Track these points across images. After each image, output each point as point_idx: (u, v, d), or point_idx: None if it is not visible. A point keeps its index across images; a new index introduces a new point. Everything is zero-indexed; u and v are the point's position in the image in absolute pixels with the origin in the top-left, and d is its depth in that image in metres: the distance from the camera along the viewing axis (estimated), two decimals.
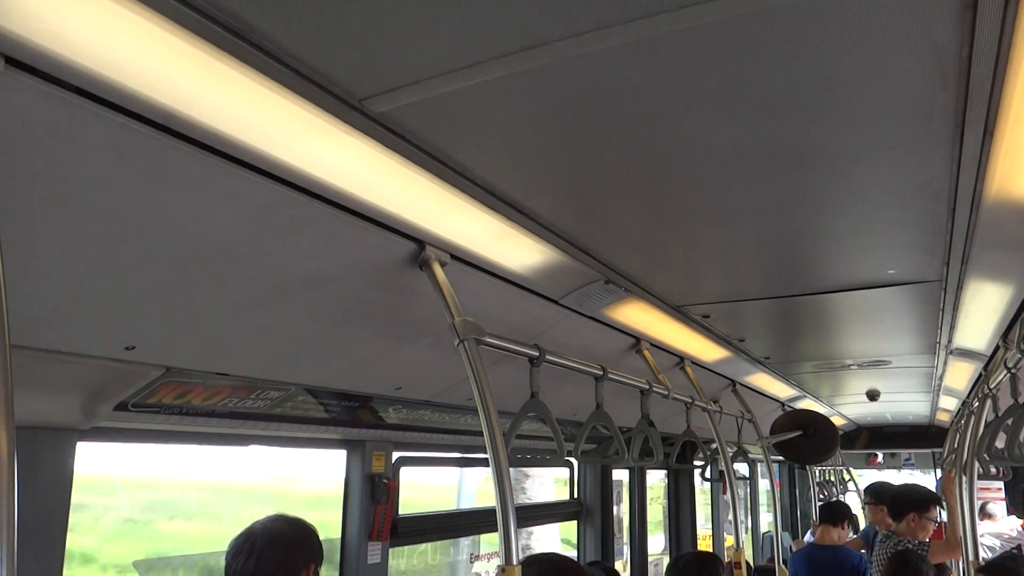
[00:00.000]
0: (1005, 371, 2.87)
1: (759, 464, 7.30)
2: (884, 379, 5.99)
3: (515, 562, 1.68)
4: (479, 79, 1.35)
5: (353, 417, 3.14)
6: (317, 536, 2.52)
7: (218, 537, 3.47)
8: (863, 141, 1.65)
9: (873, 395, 6.81)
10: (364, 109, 1.43)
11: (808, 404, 7.03)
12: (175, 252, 1.62)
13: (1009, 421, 2.84)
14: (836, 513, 5.94)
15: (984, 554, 6.16)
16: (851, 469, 10.45)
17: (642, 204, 2.06)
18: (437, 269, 2.02)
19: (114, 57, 1.16)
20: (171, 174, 1.41)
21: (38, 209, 1.36)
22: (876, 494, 6.69)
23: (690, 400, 3.55)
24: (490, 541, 4.92)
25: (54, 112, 1.19)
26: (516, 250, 2.25)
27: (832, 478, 10.04)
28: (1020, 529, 7.60)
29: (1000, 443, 3.21)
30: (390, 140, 1.55)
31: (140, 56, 1.18)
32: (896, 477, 9.89)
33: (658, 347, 3.75)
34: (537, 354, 2.27)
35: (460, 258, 2.16)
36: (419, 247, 2.00)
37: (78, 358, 1.88)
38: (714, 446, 4.20)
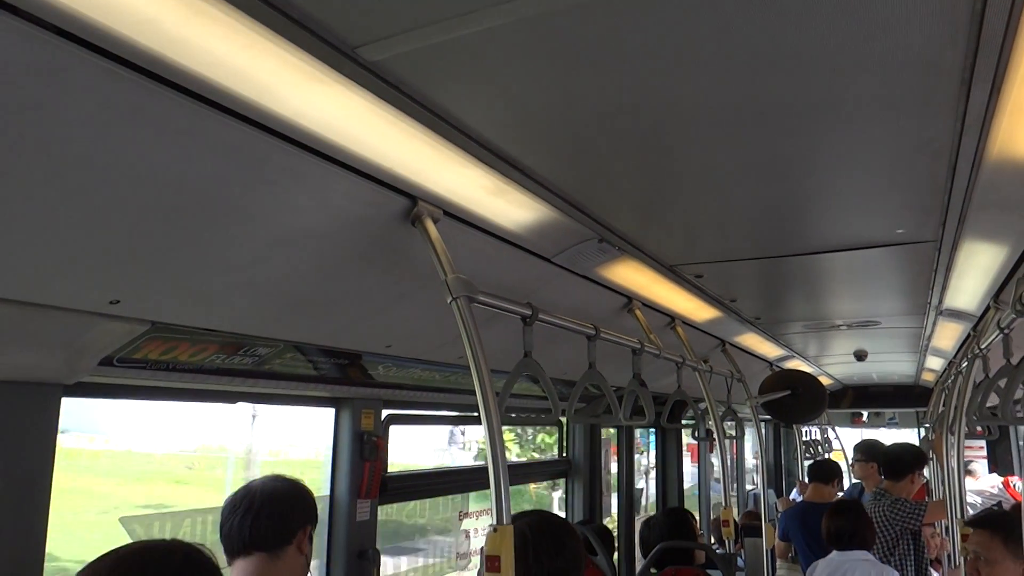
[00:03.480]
0: (997, 331, 2.87)
1: (746, 423, 7.35)
2: (872, 339, 6.01)
3: (507, 521, 1.67)
4: (475, 27, 1.30)
5: (342, 374, 3.11)
6: (313, 498, 2.51)
7: None
8: (865, 97, 1.61)
9: (861, 355, 6.85)
10: (357, 57, 1.38)
11: (796, 364, 7.07)
12: (160, 203, 1.57)
13: (1002, 382, 2.84)
14: (827, 471, 5.99)
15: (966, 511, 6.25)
16: (836, 428, 10.55)
17: (638, 162, 2.02)
18: (429, 225, 1.98)
19: None
20: (156, 122, 1.36)
21: (17, 157, 1.31)
22: (868, 451, 6.69)
23: (680, 360, 3.54)
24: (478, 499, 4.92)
25: (34, 54, 1.14)
26: (510, 207, 2.21)
27: (818, 437, 10.13)
28: (1000, 487, 7.74)
29: (991, 402, 3.22)
30: (383, 90, 1.50)
31: None
32: (887, 435, 9.97)
33: (650, 307, 3.73)
34: (530, 312, 2.25)
35: (453, 214, 2.12)
36: (411, 202, 1.96)
37: (60, 312, 1.83)
38: (703, 406, 4.21)
